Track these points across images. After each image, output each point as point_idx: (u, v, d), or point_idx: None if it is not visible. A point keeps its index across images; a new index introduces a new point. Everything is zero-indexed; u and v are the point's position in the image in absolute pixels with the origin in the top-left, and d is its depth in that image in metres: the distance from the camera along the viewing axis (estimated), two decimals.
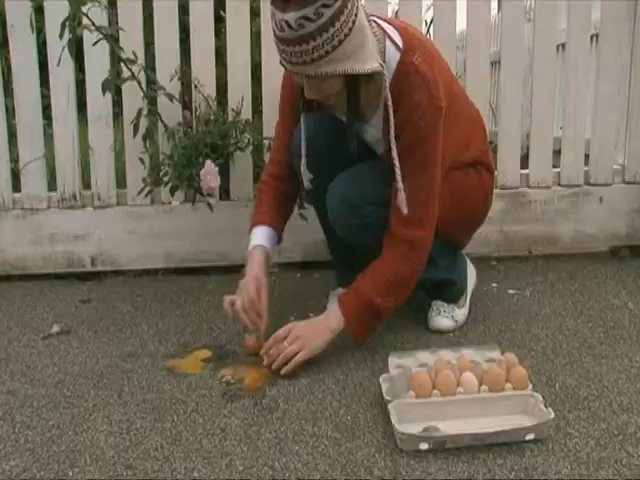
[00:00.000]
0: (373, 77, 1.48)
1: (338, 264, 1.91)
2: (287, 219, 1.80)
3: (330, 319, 1.56)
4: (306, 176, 1.65)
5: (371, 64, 1.43)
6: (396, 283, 1.58)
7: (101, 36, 1.91)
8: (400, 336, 1.70)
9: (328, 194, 1.63)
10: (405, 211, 1.51)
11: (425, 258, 1.59)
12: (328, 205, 1.63)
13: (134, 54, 1.97)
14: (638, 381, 1.45)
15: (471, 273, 1.87)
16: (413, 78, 1.49)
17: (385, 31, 1.52)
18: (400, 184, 1.49)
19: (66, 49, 1.88)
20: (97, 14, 1.91)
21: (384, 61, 1.47)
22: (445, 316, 1.74)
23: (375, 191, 1.58)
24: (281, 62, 1.45)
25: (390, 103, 1.47)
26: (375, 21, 1.52)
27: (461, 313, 1.77)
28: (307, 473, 1.17)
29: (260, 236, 1.71)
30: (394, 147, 1.48)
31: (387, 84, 1.46)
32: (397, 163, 1.48)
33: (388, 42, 1.51)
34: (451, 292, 1.77)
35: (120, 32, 2.01)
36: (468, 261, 1.87)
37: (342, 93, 1.47)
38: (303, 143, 1.62)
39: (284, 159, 1.73)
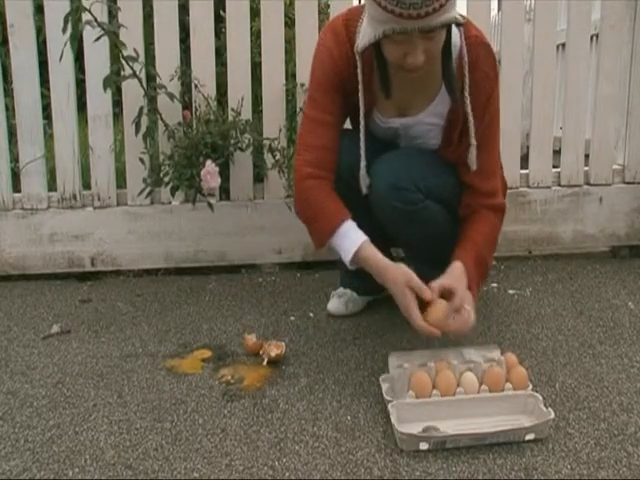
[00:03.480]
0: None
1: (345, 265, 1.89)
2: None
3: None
4: (365, 181, 1.55)
5: (459, 16, 1.38)
6: (489, 254, 1.59)
7: (102, 33, 1.91)
8: (400, 336, 1.70)
9: (375, 175, 1.54)
10: (474, 167, 1.53)
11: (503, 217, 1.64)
12: (374, 186, 1.55)
13: (135, 51, 1.97)
14: (638, 381, 1.45)
15: None
16: (480, 49, 1.51)
17: None
18: (473, 140, 1.51)
19: (68, 44, 1.88)
20: (98, 12, 1.91)
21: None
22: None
23: (425, 180, 1.55)
24: (386, 32, 1.32)
25: (466, 59, 1.47)
26: None
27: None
28: (307, 473, 1.17)
29: (356, 231, 1.48)
30: (468, 102, 1.48)
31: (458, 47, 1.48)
32: (471, 118, 1.49)
33: None
34: None
35: (121, 31, 2.01)
36: None
37: (439, 59, 1.45)
38: (363, 145, 1.53)
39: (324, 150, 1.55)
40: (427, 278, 1.43)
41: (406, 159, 1.58)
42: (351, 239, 1.47)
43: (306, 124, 1.57)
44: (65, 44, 1.89)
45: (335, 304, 1.84)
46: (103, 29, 1.90)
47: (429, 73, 1.49)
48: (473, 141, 1.52)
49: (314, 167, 1.53)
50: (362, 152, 1.54)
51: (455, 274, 1.45)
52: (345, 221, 1.48)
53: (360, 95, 1.51)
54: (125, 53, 1.94)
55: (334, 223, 1.48)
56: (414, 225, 1.58)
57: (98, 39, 1.93)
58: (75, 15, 1.84)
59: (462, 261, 1.47)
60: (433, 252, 1.59)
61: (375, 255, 1.45)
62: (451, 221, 1.62)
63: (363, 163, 1.55)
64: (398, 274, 1.41)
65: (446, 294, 1.40)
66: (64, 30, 1.85)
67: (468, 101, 1.49)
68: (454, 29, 1.45)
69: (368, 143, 1.56)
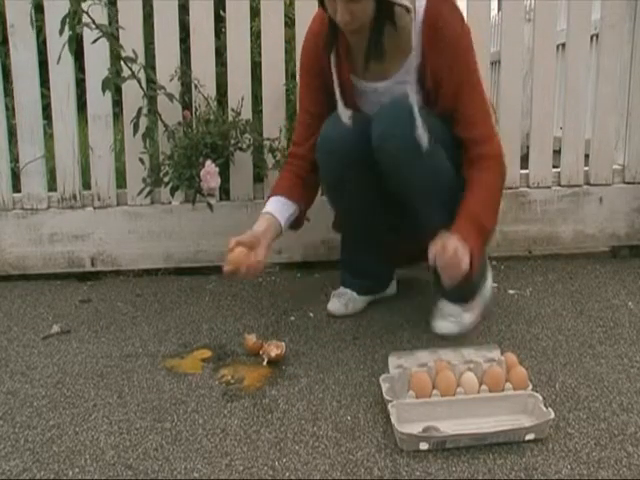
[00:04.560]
0: (402, 23, 1.57)
1: (347, 264, 1.91)
2: (310, 191, 1.79)
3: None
4: (345, 114, 1.64)
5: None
6: (495, 201, 1.61)
7: (100, 35, 1.91)
8: (400, 336, 1.70)
9: (375, 120, 1.58)
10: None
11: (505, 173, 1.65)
12: (375, 131, 1.58)
13: (134, 52, 1.97)
14: (638, 381, 1.45)
15: (488, 276, 1.79)
16: (442, 6, 1.59)
17: None
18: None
19: (66, 46, 1.88)
20: (97, 13, 1.91)
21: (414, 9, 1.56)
22: (450, 320, 1.68)
23: (427, 123, 1.56)
24: None
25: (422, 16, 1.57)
26: None
27: (468, 317, 1.69)
28: (307, 473, 1.17)
29: (269, 205, 1.71)
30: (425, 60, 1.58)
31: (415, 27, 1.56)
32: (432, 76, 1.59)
33: None
34: (461, 290, 1.62)
35: (120, 31, 2.01)
36: (487, 261, 1.79)
37: (369, 25, 1.54)
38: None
39: (306, 141, 1.74)
40: (437, 225, 1.50)
41: (404, 108, 1.59)
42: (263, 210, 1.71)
43: (296, 123, 1.85)
44: (63, 46, 1.89)
45: (335, 304, 1.84)
46: (101, 31, 1.90)
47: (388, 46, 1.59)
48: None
49: (290, 156, 1.81)
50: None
51: (445, 236, 1.48)
52: (271, 196, 1.73)
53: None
54: (124, 54, 1.94)
55: (269, 195, 1.77)
56: (420, 166, 1.56)
57: (96, 41, 1.93)
58: (73, 17, 1.84)
59: (456, 228, 1.51)
60: (438, 198, 1.61)
61: (255, 227, 1.66)
62: (452, 170, 1.62)
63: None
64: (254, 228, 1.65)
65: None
66: (61, 32, 1.85)
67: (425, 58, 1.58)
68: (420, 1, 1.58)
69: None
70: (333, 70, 1.67)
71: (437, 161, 1.59)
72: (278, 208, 1.71)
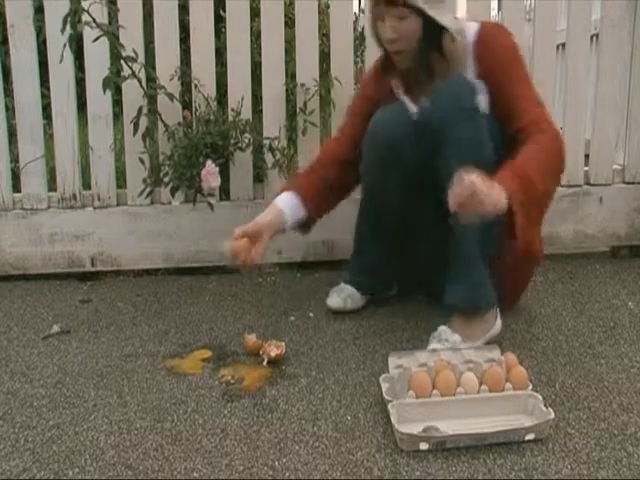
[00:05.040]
0: (450, 48, 1.61)
1: (357, 255, 1.89)
2: (328, 200, 1.80)
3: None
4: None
5: (446, 20, 1.57)
6: (549, 163, 1.52)
7: (101, 33, 1.91)
8: (400, 336, 1.70)
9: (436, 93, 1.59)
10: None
11: (563, 160, 1.57)
12: (436, 91, 1.59)
13: (134, 52, 1.97)
14: (638, 381, 1.45)
15: (498, 315, 1.65)
16: (495, 28, 1.69)
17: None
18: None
19: (67, 45, 1.88)
20: (97, 12, 1.91)
21: (465, 34, 1.62)
22: (445, 344, 1.55)
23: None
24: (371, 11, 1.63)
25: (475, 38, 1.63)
26: None
27: (464, 346, 1.54)
28: (307, 473, 1.17)
29: (282, 200, 1.72)
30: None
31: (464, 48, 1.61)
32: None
33: (468, 22, 1.67)
34: (474, 297, 1.58)
35: (120, 31, 2.01)
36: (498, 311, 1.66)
37: (417, 44, 1.60)
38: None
39: (346, 140, 1.80)
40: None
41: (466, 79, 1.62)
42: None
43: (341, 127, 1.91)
44: (65, 46, 1.89)
45: (334, 299, 1.84)
46: (102, 30, 1.91)
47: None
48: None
49: (322, 154, 1.88)
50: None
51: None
52: (290, 191, 1.74)
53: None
54: (124, 54, 1.94)
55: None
56: (474, 130, 1.55)
57: (97, 39, 1.93)
58: (74, 16, 1.84)
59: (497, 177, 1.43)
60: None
61: (266, 213, 1.71)
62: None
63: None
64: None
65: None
66: (62, 31, 1.85)
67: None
68: (473, 26, 1.64)
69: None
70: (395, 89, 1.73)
71: (485, 136, 1.56)
72: (289, 206, 1.72)
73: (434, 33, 1.59)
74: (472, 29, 1.65)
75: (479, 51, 1.63)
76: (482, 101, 1.57)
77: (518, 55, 1.65)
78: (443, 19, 1.57)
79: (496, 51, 1.63)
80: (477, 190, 1.31)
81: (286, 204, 1.72)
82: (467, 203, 1.32)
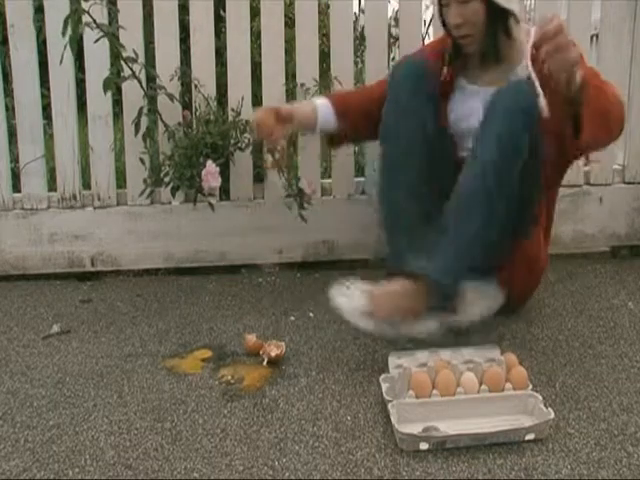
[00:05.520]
0: (514, 33, 1.62)
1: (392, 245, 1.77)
2: (355, 123, 1.79)
3: None
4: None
5: (511, 5, 1.59)
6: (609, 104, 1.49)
7: (102, 34, 1.91)
8: None
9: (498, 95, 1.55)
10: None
11: (624, 118, 1.54)
12: (499, 102, 1.54)
13: (135, 52, 1.97)
14: (638, 381, 1.45)
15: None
16: None
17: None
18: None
19: (68, 47, 1.88)
20: (97, 13, 1.91)
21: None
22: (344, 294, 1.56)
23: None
24: None
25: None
26: None
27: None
28: (307, 473, 1.17)
29: (320, 101, 1.78)
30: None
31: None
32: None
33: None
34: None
35: (120, 31, 2.01)
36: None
37: (483, 28, 1.61)
38: None
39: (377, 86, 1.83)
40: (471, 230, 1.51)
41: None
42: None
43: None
44: (65, 47, 1.89)
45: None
46: (102, 31, 1.90)
47: (497, 74, 1.65)
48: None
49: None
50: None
51: None
52: (329, 98, 1.82)
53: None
54: (124, 54, 1.94)
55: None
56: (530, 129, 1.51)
57: (97, 40, 1.93)
58: (74, 17, 1.83)
59: None
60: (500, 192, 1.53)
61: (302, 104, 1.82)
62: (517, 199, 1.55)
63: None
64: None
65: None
66: (64, 33, 1.85)
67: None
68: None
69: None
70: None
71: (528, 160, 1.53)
72: (323, 108, 1.77)
73: (498, 16, 1.61)
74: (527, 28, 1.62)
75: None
76: (543, 104, 1.45)
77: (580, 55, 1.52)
78: (506, 2, 1.59)
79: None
80: (565, 31, 1.31)
81: (321, 105, 1.77)
82: (555, 41, 1.30)
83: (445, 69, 1.73)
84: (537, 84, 1.40)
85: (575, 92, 1.40)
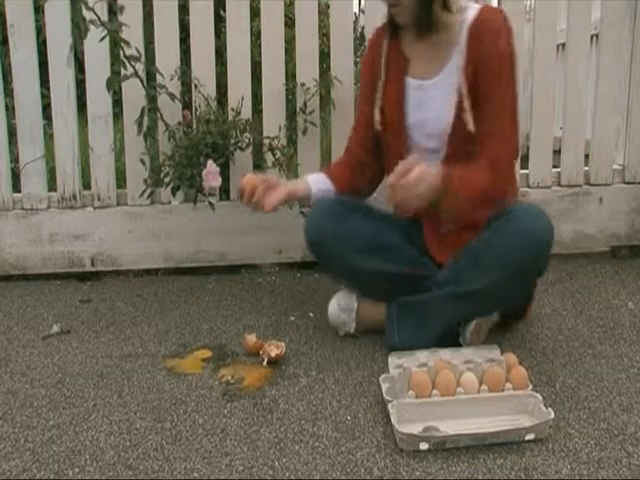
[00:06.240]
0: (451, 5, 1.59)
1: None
2: (356, 181, 1.78)
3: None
4: (377, 118, 1.71)
5: None
6: (478, 191, 1.54)
7: (106, 33, 1.90)
8: None
9: (532, 218, 1.52)
10: (471, 127, 1.57)
11: (501, 180, 1.59)
12: (537, 221, 1.52)
13: (137, 51, 1.97)
14: (638, 381, 1.45)
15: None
16: (493, 13, 1.63)
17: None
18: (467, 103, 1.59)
19: (73, 49, 1.88)
20: (98, 12, 1.91)
21: (465, 10, 1.61)
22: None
23: None
24: None
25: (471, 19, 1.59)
26: None
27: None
28: (307, 473, 1.17)
29: (308, 175, 1.77)
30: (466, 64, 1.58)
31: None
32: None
33: (470, 2, 1.64)
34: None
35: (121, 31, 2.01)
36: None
37: (414, 2, 1.57)
38: None
39: (363, 142, 1.79)
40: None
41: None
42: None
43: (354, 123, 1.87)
44: (71, 48, 1.88)
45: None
46: (106, 28, 1.90)
47: (435, 41, 1.63)
48: (466, 105, 1.58)
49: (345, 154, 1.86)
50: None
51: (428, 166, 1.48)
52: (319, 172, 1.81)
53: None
54: (127, 52, 1.94)
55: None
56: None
57: (103, 39, 1.92)
58: (79, 15, 1.83)
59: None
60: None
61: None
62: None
63: None
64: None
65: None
66: (73, 33, 1.84)
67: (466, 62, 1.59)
68: (473, 7, 1.61)
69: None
70: (382, 60, 1.70)
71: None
72: (314, 177, 1.76)
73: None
74: (473, 8, 1.62)
75: (473, 38, 1.58)
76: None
77: (512, 62, 1.60)
78: None
79: (491, 51, 1.57)
80: (420, 182, 1.42)
81: (312, 176, 1.77)
82: (408, 192, 1.43)
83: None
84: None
85: (434, 202, 1.49)
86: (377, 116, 1.71)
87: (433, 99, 1.65)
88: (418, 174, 1.42)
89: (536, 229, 1.49)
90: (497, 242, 1.50)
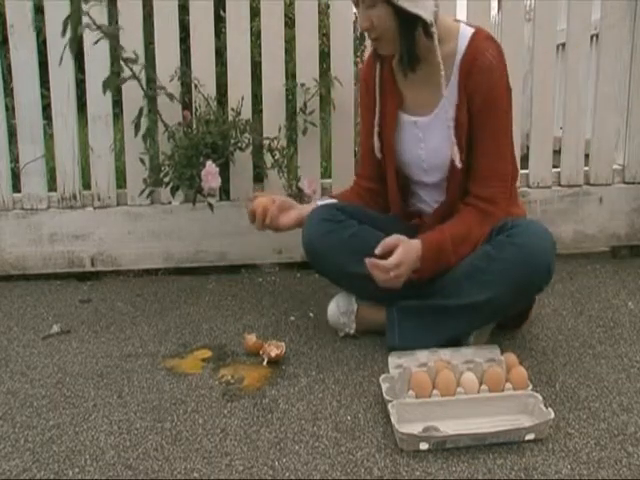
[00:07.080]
0: (433, 35, 1.55)
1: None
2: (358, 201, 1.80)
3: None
4: (377, 147, 1.73)
5: (420, 11, 1.51)
6: (453, 250, 1.56)
7: (101, 36, 1.90)
8: None
9: (537, 236, 1.52)
10: (458, 163, 1.58)
11: (496, 218, 1.59)
12: (541, 242, 1.51)
13: (135, 53, 1.96)
14: (638, 381, 1.45)
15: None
16: (482, 42, 1.58)
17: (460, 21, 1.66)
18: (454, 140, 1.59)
19: (67, 48, 1.88)
20: (97, 13, 1.91)
21: (457, 39, 1.58)
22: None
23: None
24: None
25: (464, 49, 1.57)
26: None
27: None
28: (307, 473, 1.17)
29: (321, 200, 1.78)
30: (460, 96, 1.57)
31: (437, 43, 1.55)
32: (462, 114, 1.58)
33: (463, 25, 1.62)
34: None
35: (120, 31, 2.01)
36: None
37: (395, 32, 1.55)
38: None
39: (369, 173, 1.81)
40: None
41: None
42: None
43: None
44: (65, 48, 1.88)
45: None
46: (103, 32, 1.90)
47: (427, 74, 1.61)
48: (454, 139, 1.59)
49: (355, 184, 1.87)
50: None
51: (409, 243, 1.54)
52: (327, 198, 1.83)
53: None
54: (124, 55, 1.94)
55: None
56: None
57: (97, 42, 1.92)
58: (75, 18, 1.83)
59: (423, 240, 1.56)
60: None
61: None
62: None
63: None
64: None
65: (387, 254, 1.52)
66: (63, 34, 1.85)
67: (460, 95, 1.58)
68: (466, 31, 1.58)
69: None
70: (377, 94, 1.69)
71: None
72: (325, 200, 1.77)
73: (410, 21, 1.52)
74: (464, 36, 1.58)
75: (465, 75, 1.57)
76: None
77: (506, 96, 1.60)
78: (413, 7, 1.50)
79: (483, 88, 1.56)
80: (399, 268, 1.50)
81: (322, 200, 1.78)
82: (387, 277, 1.50)
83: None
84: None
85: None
86: (377, 143, 1.72)
87: (429, 137, 1.65)
88: (396, 260, 1.50)
89: (540, 250, 1.49)
90: (499, 257, 1.50)
